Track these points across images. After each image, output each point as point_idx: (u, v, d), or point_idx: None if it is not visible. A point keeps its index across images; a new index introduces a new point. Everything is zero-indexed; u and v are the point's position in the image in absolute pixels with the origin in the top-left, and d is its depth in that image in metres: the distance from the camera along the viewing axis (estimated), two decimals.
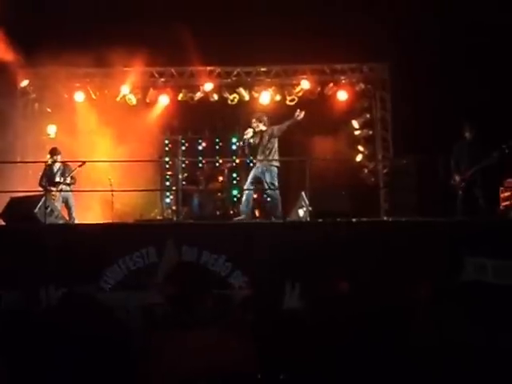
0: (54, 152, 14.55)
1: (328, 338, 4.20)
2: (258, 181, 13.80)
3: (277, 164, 13.75)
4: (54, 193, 14.02)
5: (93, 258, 11.00)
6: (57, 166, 14.44)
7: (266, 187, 13.73)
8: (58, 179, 14.24)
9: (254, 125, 13.87)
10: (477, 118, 13.89)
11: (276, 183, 13.68)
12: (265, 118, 14.04)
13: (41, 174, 14.50)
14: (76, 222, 14.04)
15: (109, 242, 11.39)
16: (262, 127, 13.82)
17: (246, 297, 9.56)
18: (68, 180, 14.16)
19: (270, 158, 13.72)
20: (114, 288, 11.22)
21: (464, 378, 3.46)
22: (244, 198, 13.75)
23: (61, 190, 14.06)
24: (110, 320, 4.98)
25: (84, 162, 14.01)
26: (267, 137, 13.78)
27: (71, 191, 14.26)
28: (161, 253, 11.38)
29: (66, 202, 14.25)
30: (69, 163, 14.34)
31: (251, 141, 13.85)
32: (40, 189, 13.80)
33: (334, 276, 10.45)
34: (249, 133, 13.79)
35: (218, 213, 16.20)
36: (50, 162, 14.43)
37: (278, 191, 13.64)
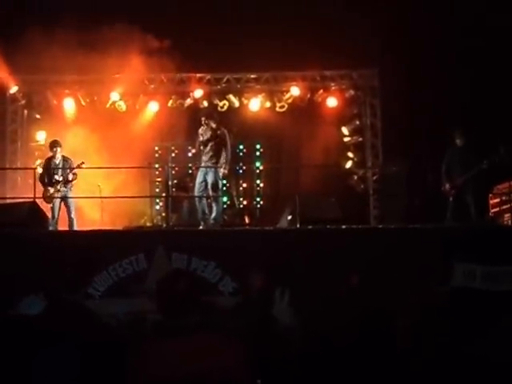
0: (54, 144, 14.13)
1: (316, 345, 4.20)
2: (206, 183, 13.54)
3: (222, 169, 13.46)
4: (52, 192, 13.80)
5: (82, 265, 10.93)
6: (57, 160, 14.09)
7: (210, 189, 13.39)
8: (57, 177, 13.88)
9: (205, 122, 13.59)
10: (468, 124, 13.93)
11: (220, 185, 13.51)
12: (215, 116, 13.79)
13: (41, 169, 14.23)
14: (75, 222, 13.75)
15: (98, 248, 11.34)
16: (212, 124, 13.59)
17: (235, 303, 9.57)
18: (70, 177, 13.89)
19: (215, 159, 13.45)
20: (103, 295, 11.18)
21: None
22: (215, 206, 13.48)
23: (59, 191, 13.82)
24: (100, 327, 4.97)
25: (82, 163, 13.88)
26: (216, 136, 13.51)
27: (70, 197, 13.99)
28: (150, 260, 11.36)
29: (64, 200, 13.85)
30: (69, 158, 14.12)
31: (200, 138, 13.60)
32: (29, 195, 13.60)
33: (324, 282, 10.46)
34: (200, 130, 13.60)
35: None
36: (50, 154, 14.18)
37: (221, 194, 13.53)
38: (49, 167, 14.05)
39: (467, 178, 13.16)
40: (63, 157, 14.09)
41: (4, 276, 10.52)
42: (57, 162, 14.04)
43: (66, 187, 13.88)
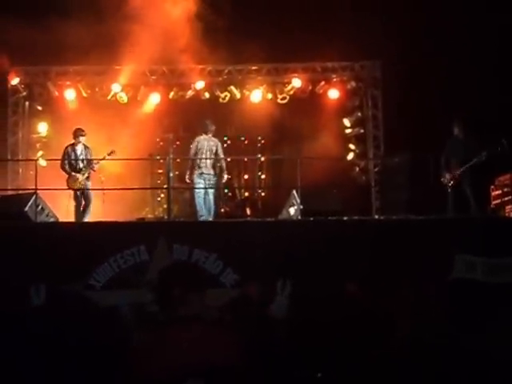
0: (78, 132, 14.01)
1: (316, 337, 4.21)
2: None
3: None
4: (79, 179, 13.74)
5: (84, 257, 10.97)
6: (79, 148, 13.98)
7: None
8: (81, 165, 13.82)
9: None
10: (468, 115, 13.90)
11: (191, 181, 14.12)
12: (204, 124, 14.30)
13: (62, 155, 14.05)
14: (88, 216, 13.68)
15: (100, 240, 11.36)
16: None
17: (236, 295, 9.57)
18: (95, 167, 13.87)
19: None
20: (104, 286, 11.18)
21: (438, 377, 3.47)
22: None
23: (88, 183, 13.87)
24: (101, 318, 4.98)
25: (112, 152, 13.90)
26: None
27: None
28: (152, 251, 11.36)
29: (84, 193, 13.77)
30: (88, 147, 14.06)
31: None
32: (31, 187, 13.54)
33: (326, 274, 10.47)
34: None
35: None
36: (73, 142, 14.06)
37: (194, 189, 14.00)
38: (71, 157, 13.99)
39: (466, 169, 13.11)
40: (84, 145, 14.05)
41: (5, 267, 10.53)
42: (79, 151, 14.01)
43: (88, 179, 13.86)
